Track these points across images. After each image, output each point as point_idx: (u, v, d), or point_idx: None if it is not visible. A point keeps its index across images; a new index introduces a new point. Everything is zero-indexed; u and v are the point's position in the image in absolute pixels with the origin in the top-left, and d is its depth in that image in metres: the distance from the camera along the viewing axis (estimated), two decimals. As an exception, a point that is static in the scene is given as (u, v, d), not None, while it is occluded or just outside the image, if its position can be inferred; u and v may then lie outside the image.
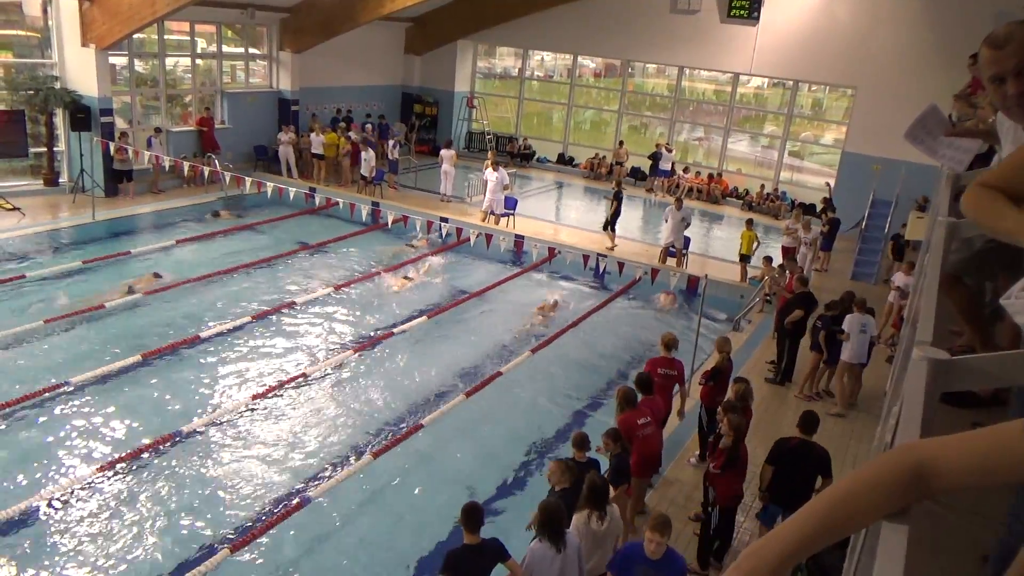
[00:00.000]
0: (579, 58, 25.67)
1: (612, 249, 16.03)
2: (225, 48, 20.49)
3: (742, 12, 18.70)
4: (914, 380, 1.53)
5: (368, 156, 19.08)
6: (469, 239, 13.80)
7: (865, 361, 10.22)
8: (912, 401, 1.47)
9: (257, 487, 7.92)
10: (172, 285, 12.66)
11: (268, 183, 15.22)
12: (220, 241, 15.46)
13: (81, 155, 16.40)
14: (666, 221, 15.74)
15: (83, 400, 9.11)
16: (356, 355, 10.96)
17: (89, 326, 11.12)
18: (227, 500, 7.68)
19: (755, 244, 15.21)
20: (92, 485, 7.62)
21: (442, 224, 14.29)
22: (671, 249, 15.79)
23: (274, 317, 11.97)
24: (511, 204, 17.95)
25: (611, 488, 6.37)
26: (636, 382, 7.72)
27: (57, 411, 8.83)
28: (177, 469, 8.06)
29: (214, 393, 9.67)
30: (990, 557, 1.88)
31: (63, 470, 7.83)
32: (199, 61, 19.91)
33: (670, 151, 23.02)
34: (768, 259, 13.64)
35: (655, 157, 22.78)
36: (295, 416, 9.31)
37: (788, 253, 14.88)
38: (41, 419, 8.65)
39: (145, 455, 8.15)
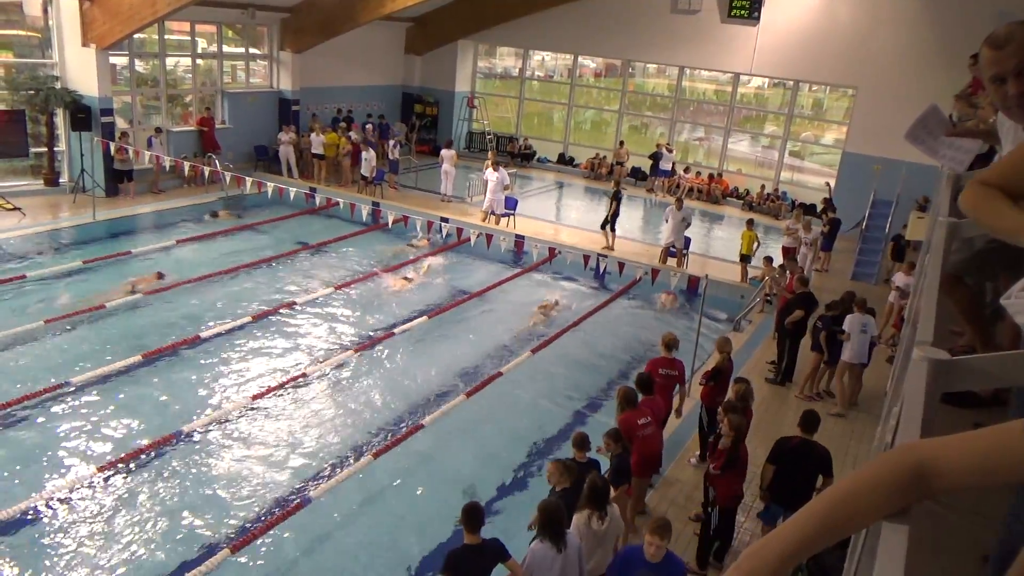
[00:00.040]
0: (579, 58, 25.67)
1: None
2: (226, 48, 20.50)
3: (742, 12, 18.72)
4: (915, 380, 1.53)
5: (369, 156, 19.08)
6: (469, 239, 13.80)
7: (866, 361, 10.22)
8: (913, 401, 1.47)
9: (258, 487, 7.92)
10: (172, 285, 12.66)
11: (268, 183, 15.22)
12: (220, 241, 15.47)
13: (82, 155, 16.41)
14: (666, 221, 15.75)
15: (84, 400, 9.11)
16: (356, 355, 10.96)
17: (89, 326, 11.12)
18: (228, 500, 7.68)
19: (755, 244, 15.21)
20: (93, 485, 7.63)
21: (442, 224, 14.29)
22: (671, 249, 15.79)
23: (274, 317, 11.97)
24: (511, 204, 17.94)
25: (612, 488, 6.37)
26: (636, 382, 7.72)
27: (58, 411, 8.83)
28: (177, 469, 8.06)
29: (214, 393, 9.67)
30: (990, 557, 1.88)
31: (63, 470, 7.83)
32: (200, 61, 19.91)
33: (670, 151, 23.03)
34: (769, 259, 13.65)
35: (655, 157, 22.78)
36: (295, 416, 9.31)
37: (788, 253, 14.88)
38: (42, 419, 8.66)
39: (146, 455, 8.16)
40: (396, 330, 11.84)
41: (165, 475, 7.93)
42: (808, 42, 20.25)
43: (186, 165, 16.48)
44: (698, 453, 8.78)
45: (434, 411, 9.48)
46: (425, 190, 20.57)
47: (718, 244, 18.62)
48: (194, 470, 8.09)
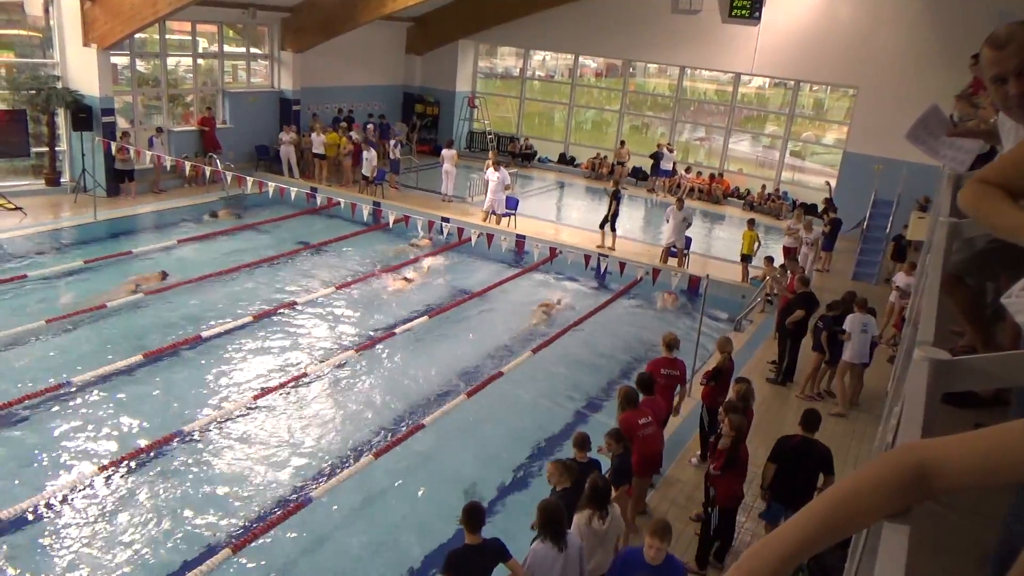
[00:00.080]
0: (580, 58, 25.66)
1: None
2: (226, 48, 20.50)
3: (743, 12, 18.70)
4: (915, 380, 1.53)
5: (370, 156, 19.09)
6: (470, 239, 13.81)
7: (867, 361, 10.22)
8: (913, 401, 1.47)
9: (259, 487, 7.93)
10: (173, 285, 12.67)
11: (269, 183, 15.23)
12: (221, 241, 15.48)
13: (83, 155, 16.42)
14: (667, 221, 15.75)
15: (84, 400, 9.12)
16: (357, 355, 10.96)
17: (90, 326, 11.13)
18: (229, 500, 7.68)
19: (756, 244, 15.20)
20: (93, 485, 7.63)
21: (443, 224, 14.29)
22: (672, 249, 15.79)
23: (275, 317, 11.98)
24: (512, 204, 17.94)
25: (612, 488, 6.37)
26: (637, 382, 7.72)
27: (58, 411, 8.83)
28: (178, 469, 8.07)
29: (215, 393, 9.67)
30: (991, 557, 1.88)
31: (64, 470, 7.83)
32: (200, 61, 19.92)
33: (671, 151, 23.02)
34: (770, 259, 13.64)
35: (656, 157, 22.78)
36: (296, 416, 9.31)
37: (789, 253, 14.88)
38: (42, 419, 8.66)
39: (146, 455, 8.16)
40: (397, 330, 11.84)
41: (166, 475, 7.94)
42: (809, 42, 20.25)
43: (187, 165, 16.49)
44: (699, 453, 8.78)
45: (435, 411, 9.48)
46: (426, 190, 20.58)
47: (719, 244, 18.62)
48: (195, 470, 8.09)
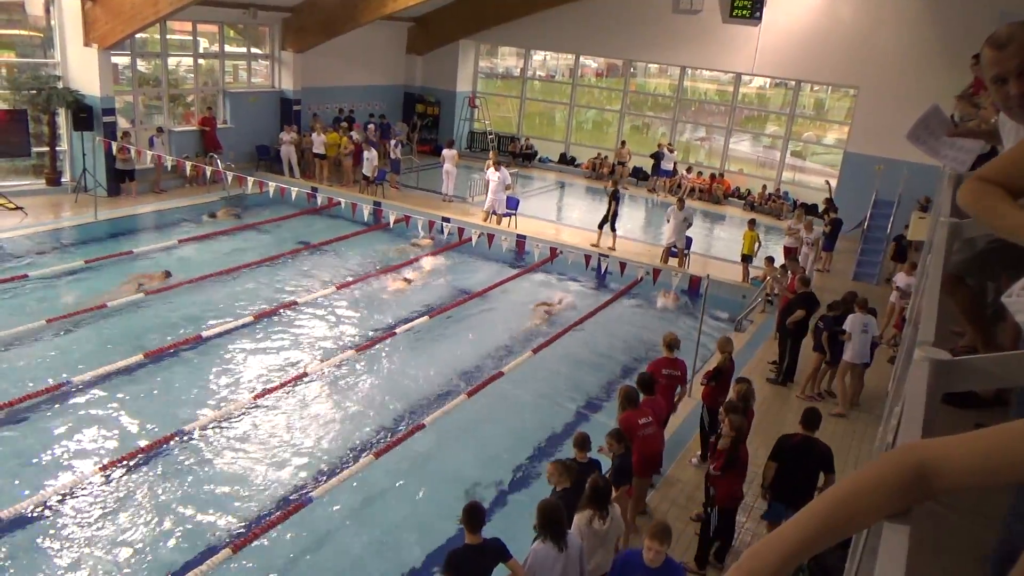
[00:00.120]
0: (581, 58, 25.66)
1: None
2: (227, 48, 20.51)
3: (744, 12, 18.72)
4: (916, 380, 1.53)
5: (371, 156, 19.09)
6: (471, 239, 13.81)
7: (868, 361, 10.22)
8: (914, 401, 1.47)
9: (259, 487, 7.93)
10: (174, 285, 12.68)
11: (270, 183, 15.24)
12: (222, 241, 15.48)
13: (83, 155, 16.43)
14: (668, 221, 15.75)
15: (85, 400, 9.12)
16: (358, 355, 10.97)
17: (91, 326, 11.13)
18: (229, 499, 7.68)
19: (757, 245, 15.21)
20: (94, 484, 7.63)
21: (444, 224, 14.29)
22: (673, 249, 15.79)
23: (276, 317, 11.98)
24: (513, 204, 17.94)
25: (613, 488, 6.37)
26: (638, 382, 7.71)
27: (59, 411, 8.84)
28: (179, 468, 8.07)
29: (216, 393, 9.67)
30: (991, 557, 1.88)
31: (64, 469, 7.84)
32: (201, 61, 19.92)
33: (672, 151, 23.02)
34: (770, 259, 13.64)
35: (657, 157, 22.77)
36: (297, 416, 9.31)
37: (790, 253, 14.88)
38: (43, 419, 8.67)
39: (147, 454, 8.16)
40: (397, 330, 11.84)
41: (166, 474, 7.94)
42: (810, 42, 20.24)
43: (188, 165, 16.49)
44: (699, 453, 8.78)
45: (435, 411, 9.48)
46: (426, 190, 20.58)
47: (719, 244, 18.62)
48: (195, 469, 8.09)
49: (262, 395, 9.56)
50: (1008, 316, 2.12)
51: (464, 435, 9.29)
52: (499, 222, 17.32)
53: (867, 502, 1.12)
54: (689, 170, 23.08)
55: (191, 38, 19.38)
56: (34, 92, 16.10)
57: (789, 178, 22.97)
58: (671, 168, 22.86)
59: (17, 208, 15.08)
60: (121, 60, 17.79)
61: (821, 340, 10.39)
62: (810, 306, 10.80)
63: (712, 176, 22.99)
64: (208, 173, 16.64)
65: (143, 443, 8.30)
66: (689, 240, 15.90)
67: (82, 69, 16.27)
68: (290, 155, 19.97)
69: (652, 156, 23.03)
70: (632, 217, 20.44)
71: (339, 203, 16.01)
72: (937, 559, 1.92)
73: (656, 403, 7.76)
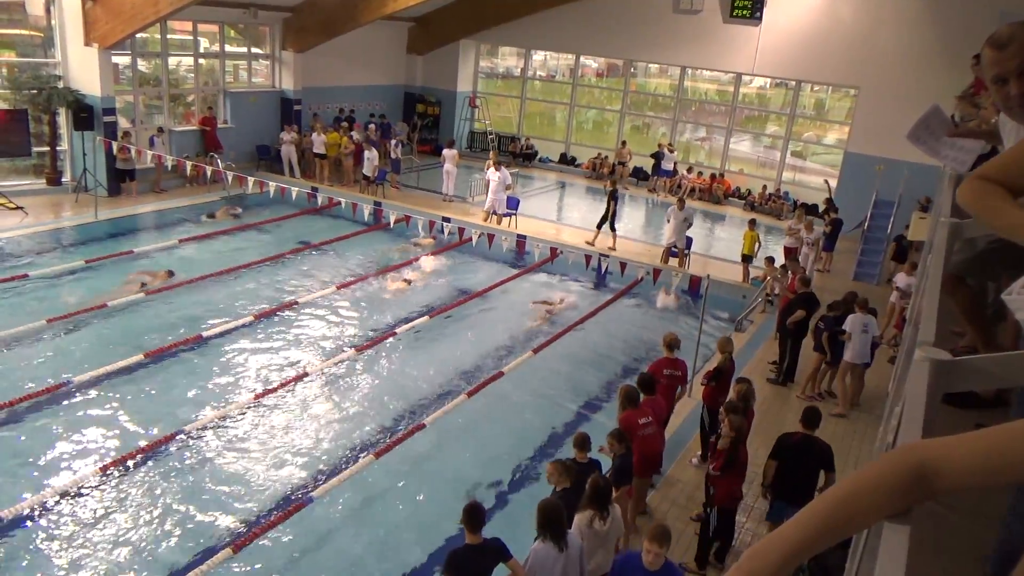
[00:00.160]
0: (581, 58, 25.66)
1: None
2: (228, 48, 20.52)
3: (745, 12, 18.69)
4: (916, 381, 1.53)
5: (371, 156, 19.09)
6: (471, 239, 13.81)
7: (868, 361, 10.22)
8: (914, 402, 1.47)
9: (259, 487, 7.93)
10: (175, 284, 12.68)
11: (270, 183, 15.24)
12: (222, 240, 15.48)
13: (84, 154, 16.43)
14: (668, 221, 15.75)
15: (85, 400, 9.12)
16: (358, 355, 10.97)
17: (91, 325, 11.13)
18: (229, 499, 7.68)
19: (757, 245, 15.20)
20: (94, 484, 7.63)
21: (444, 224, 14.29)
22: (673, 249, 15.79)
23: (276, 317, 11.98)
24: (513, 204, 17.94)
25: (613, 488, 6.37)
26: (639, 382, 7.71)
27: (59, 410, 8.84)
28: (179, 468, 8.07)
29: (216, 393, 9.67)
30: (991, 557, 1.88)
31: (64, 469, 7.84)
32: (202, 61, 19.92)
33: (672, 151, 23.02)
34: (770, 259, 13.65)
35: (657, 157, 22.77)
36: (297, 416, 9.31)
37: (790, 253, 14.88)
38: (43, 418, 8.67)
39: (147, 454, 8.16)
40: (398, 330, 11.84)
41: (166, 474, 7.94)
42: (810, 42, 20.24)
43: (188, 165, 16.50)
44: (700, 453, 8.78)
45: (435, 411, 9.49)
46: (427, 190, 20.59)
47: (720, 244, 18.62)
48: (195, 469, 8.09)
49: (262, 395, 9.56)
50: (1008, 316, 2.12)
51: (464, 435, 9.29)
52: (499, 222, 17.32)
53: (867, 502, 1.12)
54: (689, 170, 23.09)
55: (191, 38, 19.39)
56: (35, 92, 16.11)
57: (789, 178, 22.97)
58: (671, 168, 22.86)
59: (17, 208, 15.09)
60: (122, 60, 17.79)
61: (821, 340, 10.39)
62: (810, 306, 10.80)
63: (712, 176, 22.98)
64: (208, 173, 16.64)
65: (143, 443, 8.30)
66: (689, 240, 15.90)
67: (83, 69, 16.27)
68: (290, 155, 19.97)
69: (652, 156, 23.02)
70: (632, 217, 20.45)
71: (339, 203, 16.01)
72: (937, 559, 1.92)
73: (656, 403, 7.76)
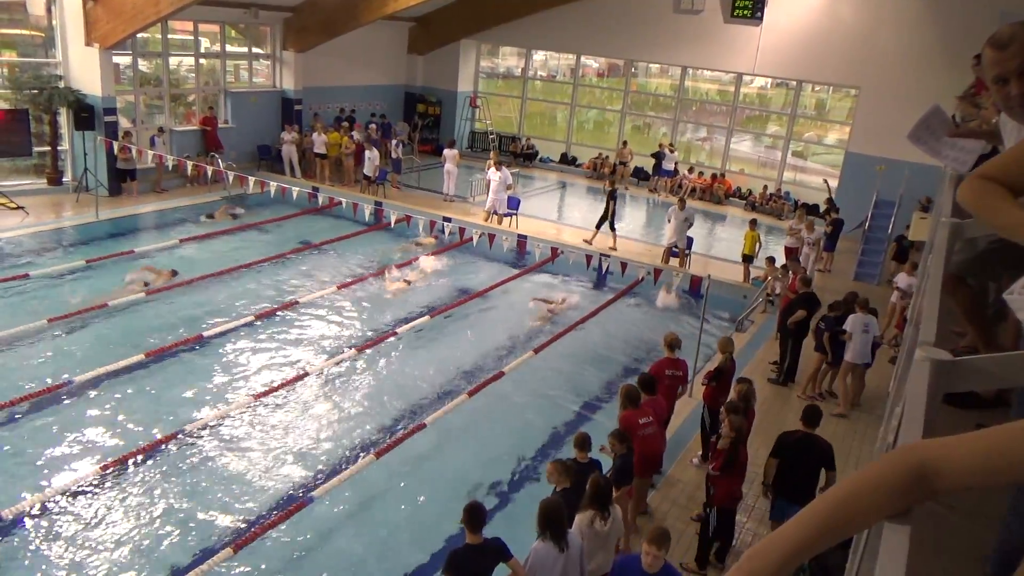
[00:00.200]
0: (582, 58, 25.66)
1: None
2: (228, 47, 20.53)
3: (745, 12, 18.68)
4: (917, 381, 1.53)
5: (372, 156, 19.10)
6: (472, 239, 13.81)
7: (869, 361, 10.21)
8: (915, 402, 1.47)
9: (259, 486, 7.93)
10: (176, 284, 12.69)
11: (271, 182, 15.25)
12: (223, 240, 15.48)
13: (85, 154, 16.43)
14: (669, 221, 15.75)
15: (85, 399, 9.13)
16: (358, 355, 10.97)
17: (92, 325, 11.14)
18: (230, 499, 7.69)
19: (758, 245, 15.20)
20: (94, 484, 7.63)
21: (445, 224, 14.29)
22: (674, 249, 15.79)
23: (276, 317, 11.99)
24: (514, 204, 17.94)
25: (614, 488, 6.37)
26: (639, 382, 7.71)
27: (59, 410, 8.84)
28: (179, 468, 8.07)
29: (217, 392, 9.67)
30: (991, 557, 1.88)
31: (64, 469, 7.84)
32: (203, 60, 19.93)
33: (673, 151, 23.02)
34: (771, 259, 13.64)
35: (658, 157, 22.77)
36: (297, 415, 9.32)
37: (791, 253, 14.88)
38: (43, 418, 8.67)
39: (147, 454, 8.16)
40: (399, 330, 11.84)
41: (166, 474, 7.94)
42: (811, 42, 20.24)
43: (189, 164, 16.50)
44: (700, 453, 8.78)
45: (436, 410, 9.48)
46: (428, 190, 20.59)
47: (721, 244, 18.61)
48: (195, 469, 8.09)
49: (262, 395, 9.56)
50: (1009, 316, 2.12)
51: (465, 435, 9.29)
52: (500, 222, 17.32)
53: (868, 502, 1.11)
54: (690, 170, 23.09)
55: (192, 38, 19.39)
56: (35, 92, 16.12)
57: (790, 178, 22.96)
58: (672, 168, 22.85)
59: (18, 208, 15.10)
60: (122, 60, 17.80)
61: (822, 340, 10.39)
62: (811, 306, 10.79)
63: (713, 176, 22.98)
64: (209, 173, 16.64)
65: (143, 443, 8.29)
66: (690, 240, 15.90)
67: (83, 69, 16.28)
68: (291, 155, 19.97)
69: (653, 156, 23.02)
70: (633, 217, 20.45)
71: (340, 203, 16.02)
72: (937, 559, 1.92)
73: (657, 403, 7.75)
